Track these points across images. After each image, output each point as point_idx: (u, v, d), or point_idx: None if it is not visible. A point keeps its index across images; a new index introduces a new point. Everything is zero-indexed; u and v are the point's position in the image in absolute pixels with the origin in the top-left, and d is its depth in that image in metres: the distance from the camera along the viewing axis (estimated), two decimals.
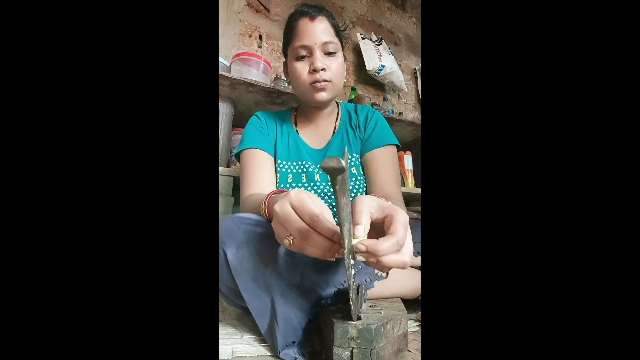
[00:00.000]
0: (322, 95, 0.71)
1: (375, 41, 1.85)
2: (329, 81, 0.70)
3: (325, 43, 0.70)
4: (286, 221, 0.34)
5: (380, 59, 1.76)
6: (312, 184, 0.73)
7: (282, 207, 0.35)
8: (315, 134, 0.81)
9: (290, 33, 0.73)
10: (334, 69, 0.71)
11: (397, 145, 0.78)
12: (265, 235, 0.46)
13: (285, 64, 0.78)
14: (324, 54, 0.71)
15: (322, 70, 0.69)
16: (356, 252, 0.32)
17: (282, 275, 0.42)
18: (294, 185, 0.73)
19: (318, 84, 0.70)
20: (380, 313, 0.39)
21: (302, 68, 0.71)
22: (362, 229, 0.32)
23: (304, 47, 0.70)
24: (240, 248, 0.45)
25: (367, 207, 0.34)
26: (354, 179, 0.74)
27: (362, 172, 0.77)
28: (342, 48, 0.76)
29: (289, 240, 0.35)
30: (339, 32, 0.74)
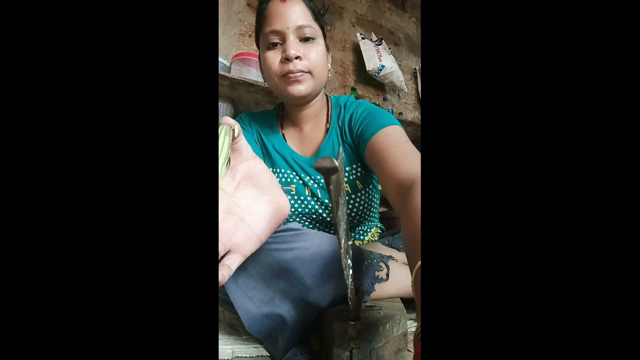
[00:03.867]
0: (298, 89, 0.57)
1: (375, 41, 1.85)
2: (307, 72, 0.58)
3: (300, 27, 0.57)
4: None
5: (380, 59, 1.76)
6: (302, 197, 0.65)
7: None
8: (304, 138, 0.68)
9: (260, 18, 0.60)
10: (312, 58, 0.58)
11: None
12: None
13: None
14: (300, 40, 0.58)
15: (296, 58, 0.56)
16: None
17: (282, 286, 0.42)
18: None
19: (291, 75, 0.57)
20: (380, 313, 0.39)
21: (273, 57, 0.58)
22: None
23: (275, 32, 0.57)
24: None
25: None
26: (347, 197, 0.63)
27: (360, 187, 0.65)
28: (325, 35, 0.63)
29: None
30: (318, 17, 0.61)
